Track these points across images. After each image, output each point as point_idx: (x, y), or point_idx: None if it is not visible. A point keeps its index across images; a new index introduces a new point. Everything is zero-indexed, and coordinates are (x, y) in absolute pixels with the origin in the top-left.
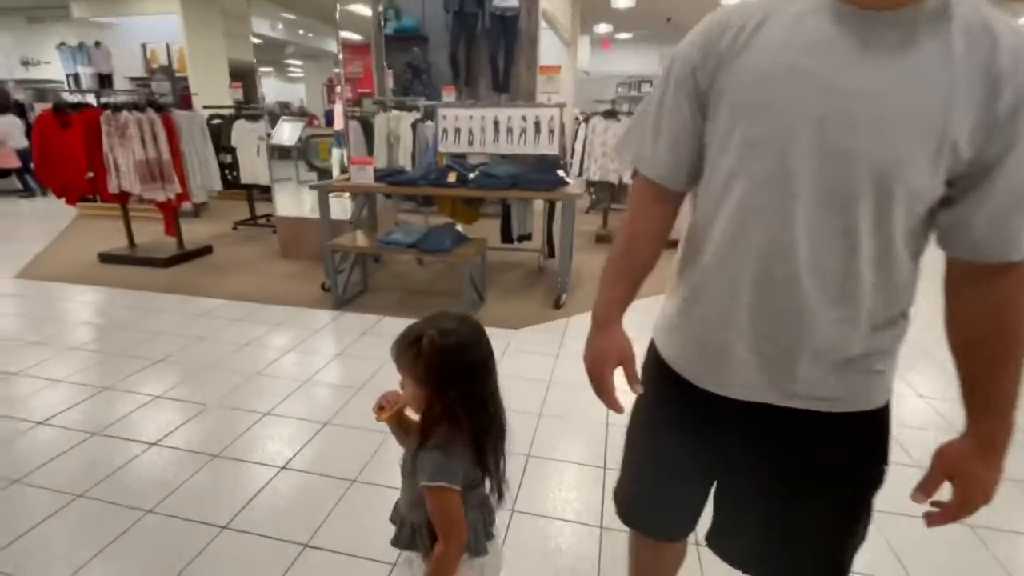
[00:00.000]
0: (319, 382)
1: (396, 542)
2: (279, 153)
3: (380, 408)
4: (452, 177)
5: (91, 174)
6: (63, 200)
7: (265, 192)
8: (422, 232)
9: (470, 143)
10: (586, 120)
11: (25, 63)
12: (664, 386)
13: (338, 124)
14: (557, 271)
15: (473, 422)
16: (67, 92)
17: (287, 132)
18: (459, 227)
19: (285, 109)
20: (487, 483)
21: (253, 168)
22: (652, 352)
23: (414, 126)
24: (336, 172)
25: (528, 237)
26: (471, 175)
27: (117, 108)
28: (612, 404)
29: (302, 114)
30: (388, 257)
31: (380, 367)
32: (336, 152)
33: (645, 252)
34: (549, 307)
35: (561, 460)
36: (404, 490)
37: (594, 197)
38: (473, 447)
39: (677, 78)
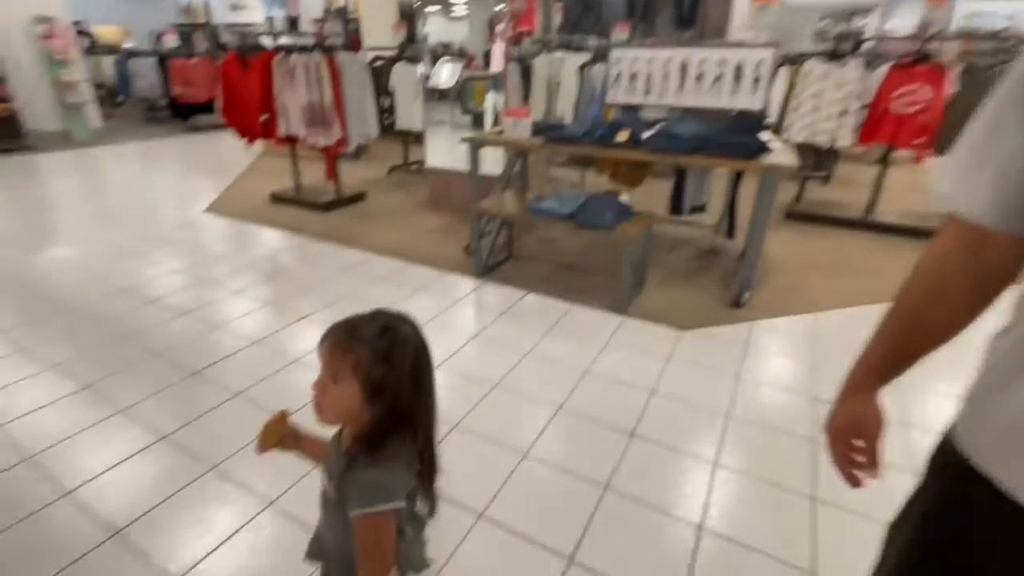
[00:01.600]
0: (448, 369)
1: None
2: (437, 94)
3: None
4: (623, 136)
5: (266, 116)
6: (245, 140)
7: (420, 139)
8: (580, 200)
9: (647, 92)
10: (792, 62)
11: (233, 7)
12: (962, 506)
13: (496, 66)
14: (739, 260)
15: (428, 428)
16: (263, 35)
17: (445, 74)
18: (623, 196)
19: (446, 50)
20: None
21: (409, 113)
22: (945, 451)
23: (582, 69)
24: (489, 117)
25: (702, 209)
26: (645, 134)
27: (288, 51)
28: (847, 479)
29: (461, 55)
30: None
31: (518, 361)
32: (491, 96)
33: (942, 319)
34: (725, 304)
35: (752, 546)
36: (330, 524)
37: None
38: (419, 457)
39: (1013, 89)
